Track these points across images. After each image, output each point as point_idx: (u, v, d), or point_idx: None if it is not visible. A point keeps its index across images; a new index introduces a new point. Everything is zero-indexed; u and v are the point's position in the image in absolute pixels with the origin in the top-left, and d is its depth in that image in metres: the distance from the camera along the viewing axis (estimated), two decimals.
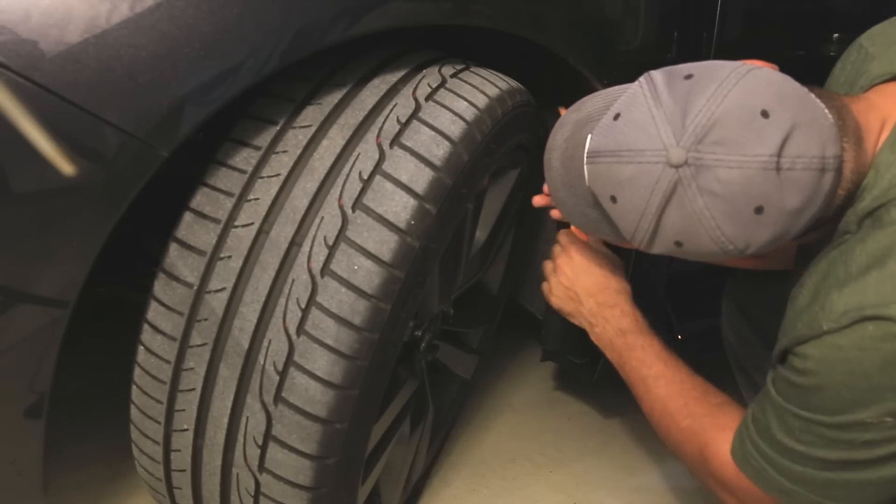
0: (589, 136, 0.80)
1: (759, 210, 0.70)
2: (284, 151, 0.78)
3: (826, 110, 0.73)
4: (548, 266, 1.12)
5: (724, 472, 0.86)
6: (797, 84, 0.74)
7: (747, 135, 0.69)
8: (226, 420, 0.78)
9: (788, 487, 0.78)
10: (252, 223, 0.76)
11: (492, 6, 0.87)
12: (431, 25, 0.81)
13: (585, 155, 0.79)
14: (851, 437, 0.72)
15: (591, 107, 0.85)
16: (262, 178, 0.77)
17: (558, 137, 0.88)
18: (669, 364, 0.99)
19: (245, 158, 0.78)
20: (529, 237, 1.37)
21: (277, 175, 0.77)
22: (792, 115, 0.70)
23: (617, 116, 0.76)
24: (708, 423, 0.90)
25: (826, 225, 0.78)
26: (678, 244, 0.75)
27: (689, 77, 0.73)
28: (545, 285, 1.12)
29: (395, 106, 0.81)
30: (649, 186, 0.72)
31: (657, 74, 0.76)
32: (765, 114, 0.69)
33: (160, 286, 0.78)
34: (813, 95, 0.74)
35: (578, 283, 1.07)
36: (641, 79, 0.77)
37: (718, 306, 1.22)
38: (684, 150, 0.70)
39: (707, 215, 0.71)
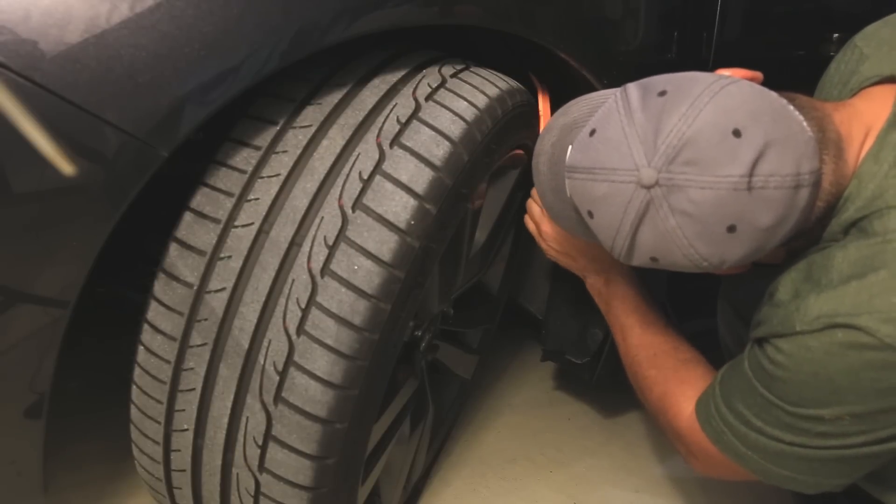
0: (570, 147, 0.80)
1: (731, 229, 0.71)
2: (284, 151, 0.78)
3: (804, 123, 0.73)
4: (535, 215, 1.13)
5: (677, 422, 0.92)
6: (774, 97, 0.74)
7: (718, 155, 0.69)
8: (226, 420, 0.78)
9: (743, 451, 0.81)
10: (252, 223, 0.76)
11: (479, 5, 0.86)
12: (422, 26, 0.81)
13: (565, 168, 0.80)
14: (807, 427, 0.75)
15: (577, 112, 0.85)
16: (262, 178, 0.77)
17: (546, 142, 0.88)
18: (648, 316, 1.06)
19: (245, 158, 0.78)
20: (529, 237, 1.37)
21: (277, 175, 0.77)
22: (765, 133, 0.69)
23: (592, 132, 0.77)
24: (671, 374, 0.97)
25: (809, 233, 0.79)
26: (654, 259, 0.76)
27: (662, 94, 0.73)
28: (536, 237, 1.14)
29: (395, 106, 0.81)
30: (622, 205, 0.73)
31: (632, 89, 0.76)
32: (737, 133, 0.69)
33: (160, 286, 0.78)
34: (791, 108, 0.73)
35: (569, 242, 1.10)
36: (617, 92, 0.77)
37: (716, 306, 1.22)
38: (655, 171, 0.70)
39: (679, 234, 0.72)
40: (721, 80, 0.73)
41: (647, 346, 1.03)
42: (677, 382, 0.95)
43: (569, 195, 0.81)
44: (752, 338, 0.81)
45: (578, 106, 0.86)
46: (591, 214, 0.77)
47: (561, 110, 0.89)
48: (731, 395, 0.82)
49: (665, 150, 0.70)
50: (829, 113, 0.78)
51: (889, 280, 0.68)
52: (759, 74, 0.80)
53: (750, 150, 0.69)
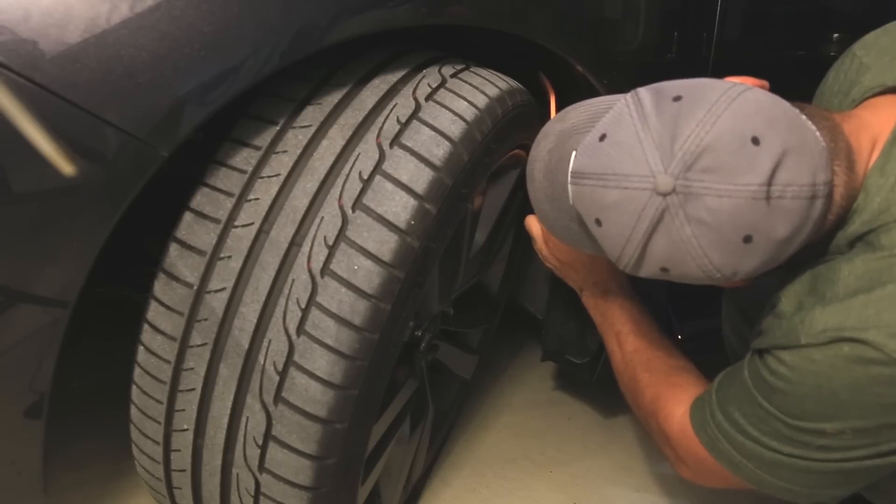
0: (573, 154, 0.78)
1: (747, 239, 0.69)
2: (284, 151, 0.78)
3: (817, 133, 0.72)
4: (534, 227, 1.13)
5: (668, 424, 0.92)
6: (788, 105, 0.72)
7: (737, 163, 0.67)
8: (226, 420, 0.78)
9: (737, 459, 0.80)
10: (252, 223, 0.76)
11: (468, 5, 0.86)
12: (418, 27, 0.80)
13: (570, 174, 0.78)
14: (807, 440, 0.74)
15: (576, 118, 0.83)
16: (262, 178, 0.77)
17: (541, 148, 0.86)
18: (643, 324, 1.06)
19: (245, 158, 0.78)
20: (529, 237, 1.37)
21: (277, 175, 0.77)
22: (783, 141, 0.68)
23: (603, 137, 0.74)
24: (664, 378, 0.97)
25: (815, 247, 0.77)
26: (664, 270, 0.74)
27: (677, 99, 0.71)
28: (536, 245, 1.15)
29: (395, 106, 0.81)
30: (636, 213, 0.71)
31: (644, 93, 0.74)
32: (755, 140, 0.68)
33: (160, 286, 0.78)
34: (804, 117, 0.72)
35: (569, 254, 1.10)
36: (628, 97, 0.75)
37: (718, 307, 1.22)
38: (672, 178, 0.68)
39: (695, 244, 0.70)
40: (737, 86, 0.71)
41: (641, 351, 1.03)
42: (669, 385, 0.95)
43: (571, 203, 0.79)
44: (753, 348, 0.80)
45: (577, 112, 0.84)
46: (598, 222, 0.75)
47: (557, 116, 0.87)
48: (727, 402, 0.81)
49: (682, 157, 0.68)
50: (838, 123, 0.77)
51: None
52: (766, 83, 0.78)
53: (768, 158, 0.67)
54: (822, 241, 0.77)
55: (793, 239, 0.71)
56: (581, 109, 0.84)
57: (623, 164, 0.71)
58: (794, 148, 0.69)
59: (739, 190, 0.67)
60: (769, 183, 0.67)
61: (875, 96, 0.83)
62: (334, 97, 0.81)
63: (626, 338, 1.05)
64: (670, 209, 0.69)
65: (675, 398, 0.92)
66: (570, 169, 0.78)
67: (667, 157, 0.69)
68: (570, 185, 0.78)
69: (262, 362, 0.76)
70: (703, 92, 0.71)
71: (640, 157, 0.70)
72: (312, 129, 0.79)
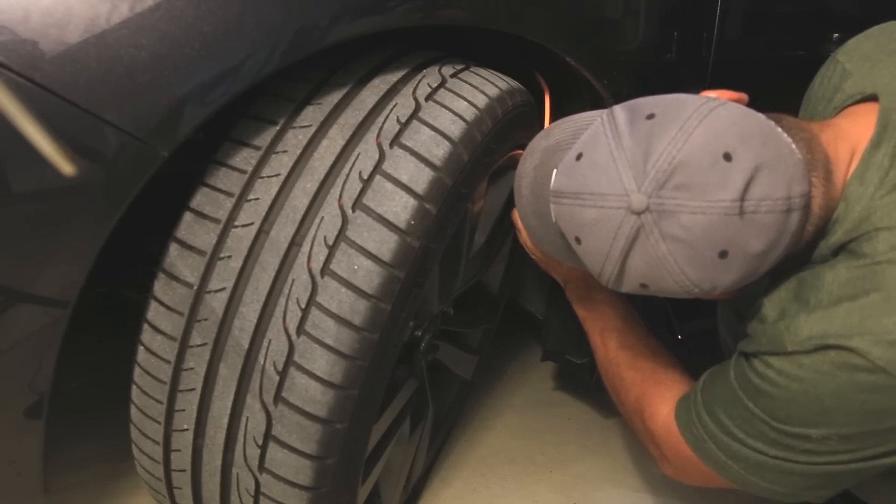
0: (554, 171, 0.79)
1: (723, 254, 0.70)
2: (284, 151, 0.78)
3: (793, 145, 0.72)
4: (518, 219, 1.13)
5: (652, 423, 0.92)
6: (763, 119, 0.73)
7: (709, 179, 0.68)
8: (226, 420, 0.79)
9: (723, 460, 0.80)
10: (252, 223, 0.76)
11: (462, 6, 0.86)
12: (415, 27, 0.80)
13: (550, 193, 0.79)
14: (793, 444, 0.75)
15: (560, 134, 0.83)
16: (262, 178, 0.77)
17: (527, 165, 0.87)
18: (627, 322, 1.06)
19: (245, 158, 0.78)
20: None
21: (277, 175, 0.77)
22: (755, 156, 0.68)
23: (579, 156, 0.75)
24: (649, 377, 0.97)
25: (797, 258, 0.78)
26: (643, 286, 0.75)
27: (651, 117, 0.72)
28: (522, 238, 1.14)
29: (395, 106, 0.81)
30: (612, 231, 0.71)
31: (619, 112, 0.75)
32: (727, 156, 0.68)
33: (160, 286, 0.78)
34: (779, 130, 0.72)
35: None
36: (603, 115, 0.76)
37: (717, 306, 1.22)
38: (645, 196, 0.69)
39: (670, 260, 0.70)
40: (709, 102, 0.72)
41: (626, 349, 1.03)
42: (654, 383, 0.95)
43: (554, 220, 0.79)
44: (739, 350, 0.80)
45: (561, 128, 0.85)
46: (578, 240, 0.76)
47: (542, 133, 0.88)
48: (713, 403, 0.81)
49: (655, 175, 0.69)
50: (815, 133, 0.77)
51: (880, 303, 0.68)
52: (744, 96, 0.79)
53: (741, 173, 0.68)
54: (804, 251, 0.78)
55: (770, 252, 0.71)
56: (565, 126, 0.84)
57: (599, 184, 0.72)
58: (767, 162, 0.69)
59: (712, 206, 0.68)
60: (742, 198, 0.68)
61: (855, 104, 0.83)
62: (334, 97, 0.81)
63: (610, 335, 1.05)
64: (645, 227, 0.70)
65: (659, 396, 0.92)
66: (550, 188, 0.79)
67: (640, 175, 0.69)
68: (551, 204, 0.79)
69: (262, 362, 0.76)
70: (675, 109, 0.71)
71: (615, 177, 0.71)
72: (312, 129, 0.79)
